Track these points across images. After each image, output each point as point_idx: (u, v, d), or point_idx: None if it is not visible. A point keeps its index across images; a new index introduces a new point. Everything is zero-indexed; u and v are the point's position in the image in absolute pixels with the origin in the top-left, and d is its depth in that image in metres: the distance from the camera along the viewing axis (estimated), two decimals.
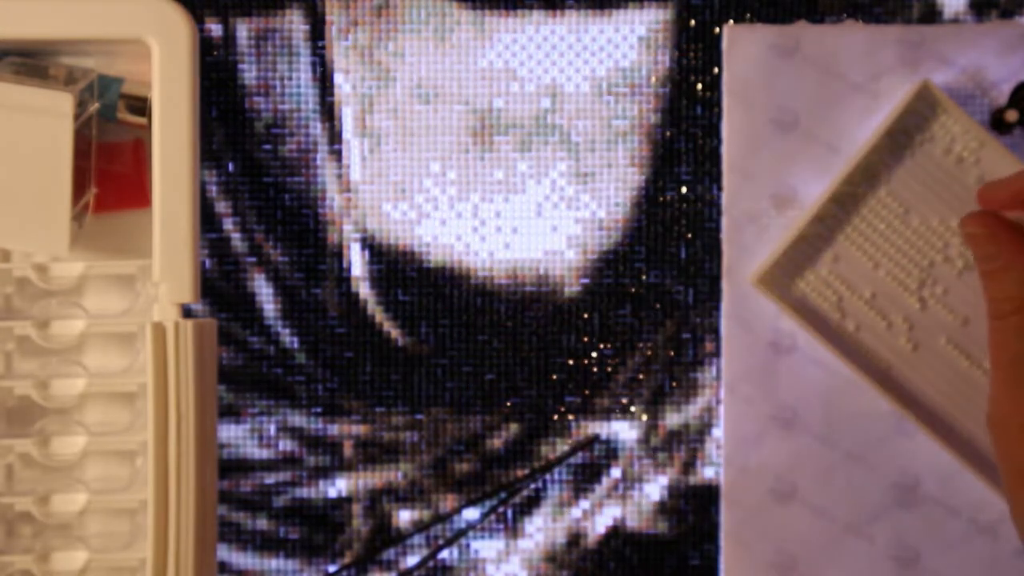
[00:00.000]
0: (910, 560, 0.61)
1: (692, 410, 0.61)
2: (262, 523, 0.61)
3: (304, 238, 0.61)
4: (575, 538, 0.62)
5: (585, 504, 0.62)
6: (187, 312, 0.58)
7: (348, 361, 0.61)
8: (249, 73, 0.60)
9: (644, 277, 0.61)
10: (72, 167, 0.54)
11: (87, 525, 0.59)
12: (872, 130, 0.59)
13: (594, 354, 0.61)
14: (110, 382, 0.58)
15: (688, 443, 0.61)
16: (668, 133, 0.61)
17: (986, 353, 0.59)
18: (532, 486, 0.61)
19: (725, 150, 0.60)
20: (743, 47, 0.60)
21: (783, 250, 0.59)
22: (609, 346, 0.61)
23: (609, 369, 0.61)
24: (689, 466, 0.61)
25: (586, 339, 0.61)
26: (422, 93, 0.61)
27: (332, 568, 0.61)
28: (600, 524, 0.62)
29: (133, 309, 0.59)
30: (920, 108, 0.59)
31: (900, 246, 0.60)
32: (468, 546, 0.61)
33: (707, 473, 0.61)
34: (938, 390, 0.60)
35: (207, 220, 0.60)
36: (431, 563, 0.61)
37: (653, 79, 0.61)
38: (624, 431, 0.61)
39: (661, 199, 0.61)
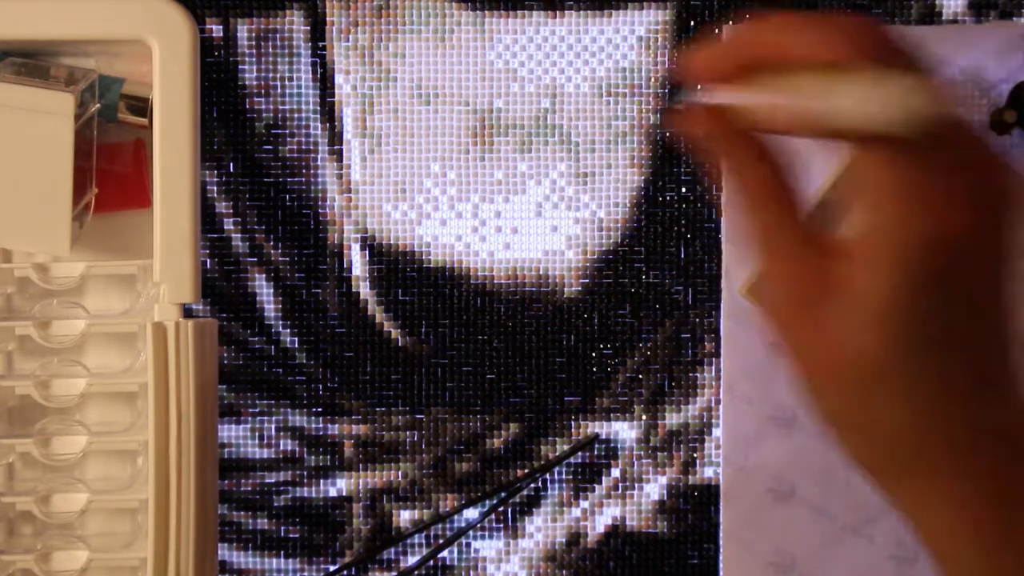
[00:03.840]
0: (909, 560, 0.61)
1: (692, 410, 0.61)
2: (262, 523, 0.61)
3: (304, 238, 0.61)
4: (575, 538, 0.62)
5: (585, 504, 0.62)
6: (187, 312, 0.58)
7: (348, 361, 0.61)
8: (249, 73, 0.60)
9: (644, 277, 0.61)
10: (73, 167, 0.54)
11: (88, 524, 0.59)
12: None
13: (594, 354, 0.61)
14: (111, 382, 0.58)
15: (688, 443, 0.61)
16: (668, 133, 0.61)
17: None
18: (532, 486, 0.62)
19: None
20: None
21: None
22: (609, 346, 0.61)
23: (609, 369, 0.61)
24: (689, 466, 0.61)
25: (586, 339, 0.61)
26: (422, 93, 0.61)
27: (332, 568, 0.61)
28: (600, 524, 0.62)
29: (134, 309, 0.59)
30: None
31: None
32: (468, 546, 0.61)
33: (706, 473, 0.61)
34: None
35: (207, 220, 0.60)
36: (431, 563, 0.61)
37: (653, 79, 0.61)
38: (624, 431, 0.61)
39: (661, 199, 0.61)
